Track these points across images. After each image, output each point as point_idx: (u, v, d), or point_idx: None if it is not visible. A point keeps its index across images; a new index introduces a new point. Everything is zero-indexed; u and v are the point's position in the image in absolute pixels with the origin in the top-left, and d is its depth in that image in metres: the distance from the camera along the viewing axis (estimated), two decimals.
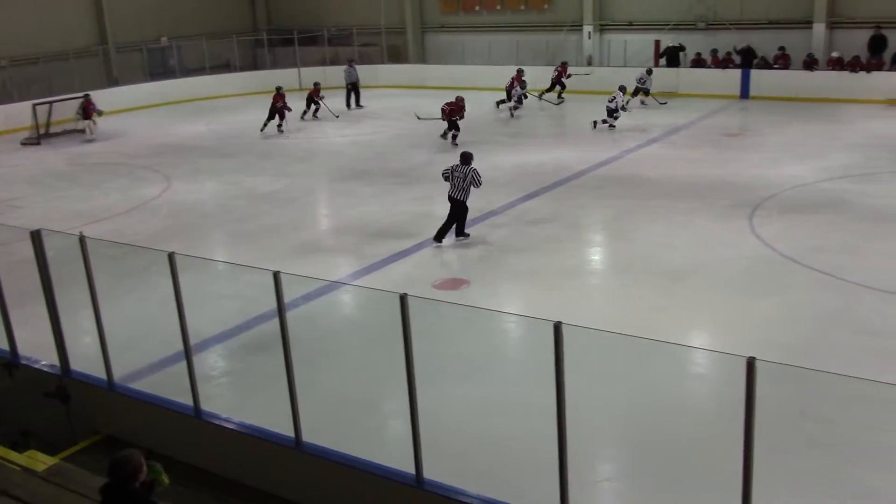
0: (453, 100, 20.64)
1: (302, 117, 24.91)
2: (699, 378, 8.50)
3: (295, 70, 31.62)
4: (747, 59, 26.50)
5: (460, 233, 12.68)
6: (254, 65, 34.78)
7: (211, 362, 9.20)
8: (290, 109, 23.28)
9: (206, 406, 7.31)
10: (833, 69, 25.22)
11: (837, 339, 9.02)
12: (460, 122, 20.50)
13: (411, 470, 6.05)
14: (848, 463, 6.72)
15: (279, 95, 23.13)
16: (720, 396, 7.75)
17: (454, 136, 20.39)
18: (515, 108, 24.62)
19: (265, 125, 23.07)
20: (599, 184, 16.18)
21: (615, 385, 8.05)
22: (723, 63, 26.95)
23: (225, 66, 32.87)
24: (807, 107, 23.81)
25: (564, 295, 10.60)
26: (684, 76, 27.10)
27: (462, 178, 12.36)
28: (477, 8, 32.55)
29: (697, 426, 7.44)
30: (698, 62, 27.55)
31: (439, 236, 12.55)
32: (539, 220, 13.86)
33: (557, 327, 5.20)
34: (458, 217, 12.59)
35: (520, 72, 25.41)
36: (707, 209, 14.02)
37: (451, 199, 12.51)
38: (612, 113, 21.60)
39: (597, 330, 6.15)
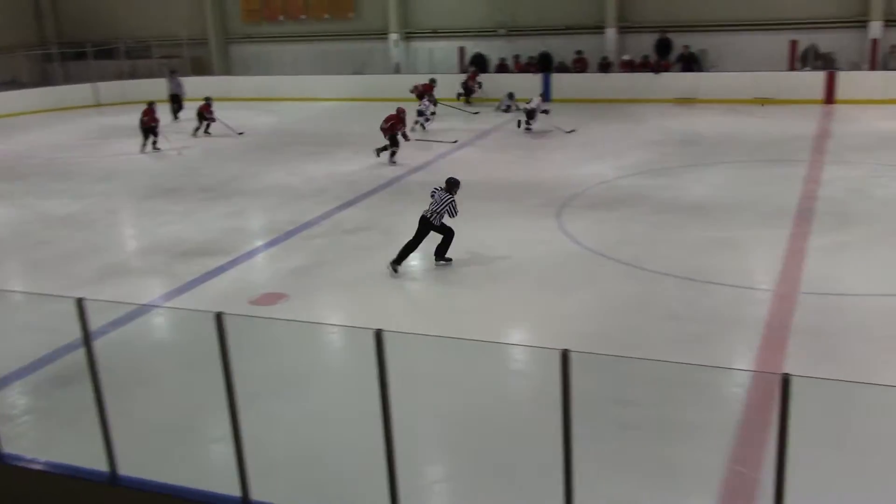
0: (393, 112, 18.95)
1: (194, 133, 23.64)
2: (519, 374, 8.74)
3: (89, 85, 29.99)
4: (546, 64, 27.70)
5: (440, 256, 11.77)
6: (44, 80, 32.69)
7: (11, 400, 8.52)
8: (157, 121, 21.78)
9: (8, 448, 6.76)
10: (626, 71, 26.82)
11: (643, 326, 9.54)
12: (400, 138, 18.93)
13: (237, 493, 5.84)
14: (657, 442, 7.10)
15: (149, 110, 21.66)
16: (539, 389, 8.00)
17: (393, 153, 18.72)
18: (427, 120, 22.78)
19: (143, 146, 21.52)
20: (414, 189, 16.36)
21: (440, 387, 8.13)
22: (525, 68, 28.02)
23: (10, 83, 30.70)
24: (604, 107, 25.19)
25: (385, 302, 10.63)
26: (486, 82, 27.94)
27: (438, 203, 11.59)
28: (280, 18, 32.19)
29: (519, 420, 7.63)
30: (502, 67, 28.51)
31: (398, 261, 11.51)
32: (356, 228, 13.84)
33: (378, 335, 5.18)
34: (420, 241, 11.61)
35: (432, 82, 25.30)
36: (518, 209, 14.49)
37: (422, 218, 11.61)
38: (531, 114, 21.94)
39: (417, 335, 6.19)
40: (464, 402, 7.91)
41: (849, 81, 24.17)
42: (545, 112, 22.01)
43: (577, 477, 4.99)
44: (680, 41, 26.56)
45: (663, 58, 26.66)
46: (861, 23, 24.80)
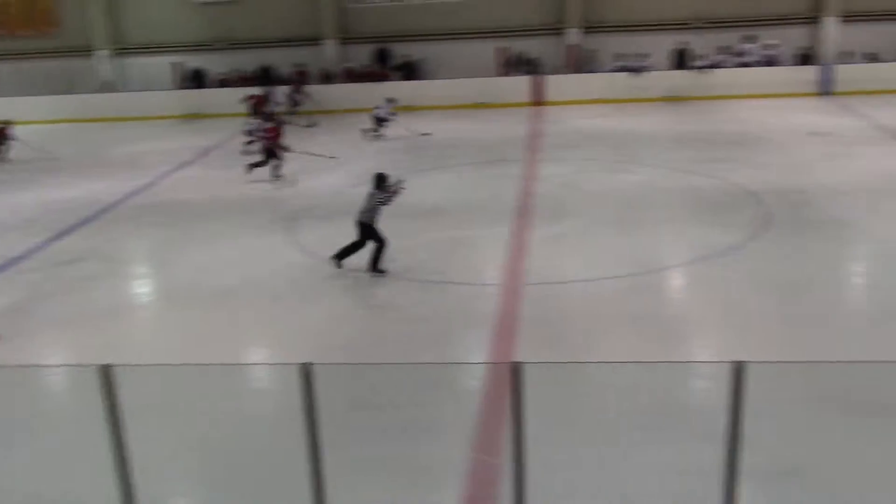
0: (268, 125, 17.80)
1: None
2: (264, 392, 8.54)
3: None
4: (266, 77, 27.42)
5: (373, 267, 11.36)
6: None
7: None
8: None
9: None
10: (348, 81, 27.20)
11: (385, 332, 9.68)
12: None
13: None
14: (406, 442, 7.23)
15: None
16: (287, 405, 7.86)
17: (276, 167, 17.39)
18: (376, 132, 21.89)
19: None
20: (137, 213, 15.51)
21: (182, 417, 7.74)
22: (245, 81, 27.54)
23: None
24: (331, 118, 25.30)
25: (113, 335, 9.95)
26: (208, 97, 27.16)
27: (368, 201, 11.37)
28: None
29: (268, 439, 7.45)
30: (224, 82, 27.82)
31: (341, 256, 11.51)
32: (73, 259, 12.85)
33: (106, 371, 4.82)
34: (361, 245, 11.41)
35: (266, 94, 24.31)
36: (249, 226, 14.18)
37: (356, 221, 11.40)
38: (380, 121, 21.66)
39: (151, 366, 5.85)
40: (210, 429, 7.59)
41: (553, 84, 26.12)
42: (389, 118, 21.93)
43: (330, 485, 4.95)
44: (399, 51, 27.38)
45: (383, 67, 27.37)
46: (559, 30, 26.91)
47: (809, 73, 25.38)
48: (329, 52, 27.75)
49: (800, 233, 12.59)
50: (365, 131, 22.08)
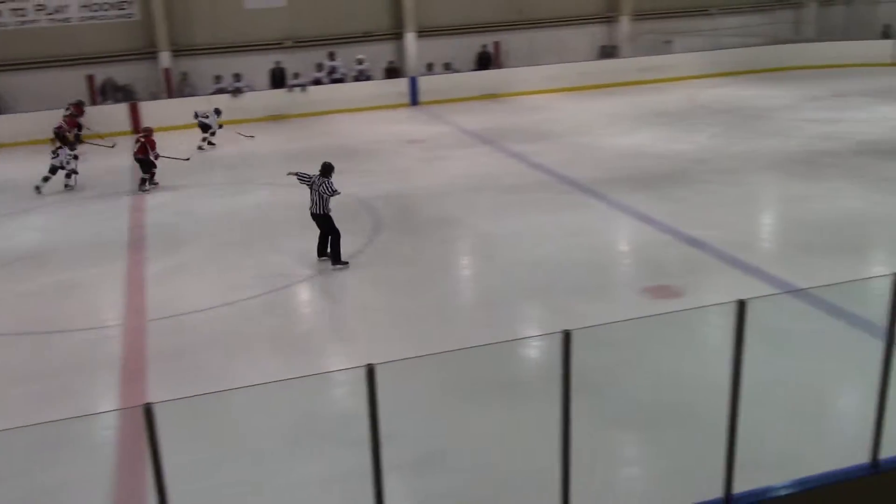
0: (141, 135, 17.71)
1: None
2: None
3: None
4: None
5: (336, 261, 11.77)
6: None
7: None
8: None
9: None
10: None
11: None
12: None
13: None
14: None
15: None
16: None
17: (146, 181, 17.45)
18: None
19: None
20: None
21: None
22: None
23: None
24: None
25: None
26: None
27: (315, 189, 11.68)
28: None
29: None
30: None
31: (320, 251, 12.02)
32: None
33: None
34: (327, 234, 11.83)
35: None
36: None
37: (311, 214, 11.85)
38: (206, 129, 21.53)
39: None
40: None
41: (152, 110, 25.06)
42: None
43: None
44: None
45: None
46: (151, 54, 25.92)
47: (399, 85, 27.20)
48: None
49: (410, 233, 13.48)
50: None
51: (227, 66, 26.15)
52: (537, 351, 8.88)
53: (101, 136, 22.00)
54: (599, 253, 12.19)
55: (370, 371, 4.49)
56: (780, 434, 7.06)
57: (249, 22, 26.81)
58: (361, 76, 27.09)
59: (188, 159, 19.23)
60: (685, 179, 15.74)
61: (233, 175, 18.75)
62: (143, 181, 17.50)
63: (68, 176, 17.99)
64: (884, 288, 5.43)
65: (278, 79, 26.46)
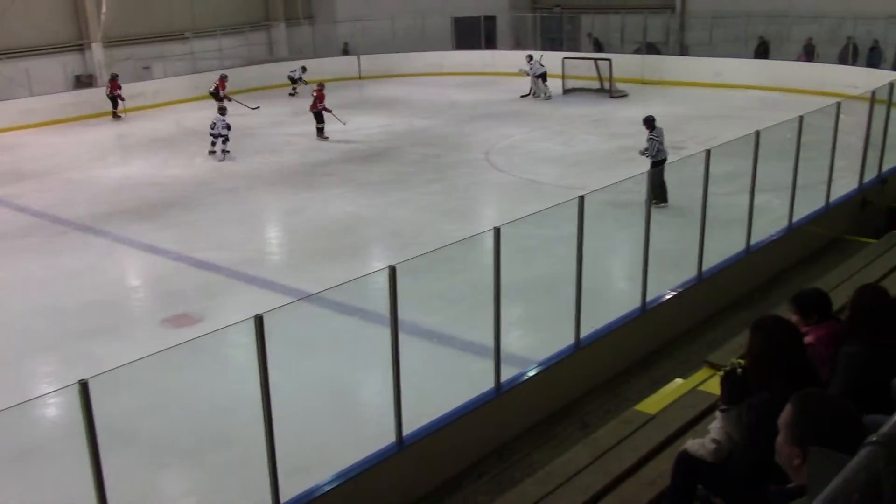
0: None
1: None
2: None
3: None
4: None
5: None
6: None
7: None
8: None
9: None
10: None
11: None
12: None
13: None
14: None
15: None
16: None
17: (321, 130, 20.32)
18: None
19: None
20: None
21: None
22: None
23: None
24: None
25: None
26: None
27: None
28: None
29: None
30: None
31: None
32: None
33: None
34: None
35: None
36: None
37: None
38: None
39: None
40: None
41: None
42: None
43: None
44: None
45: None
46: None
47: None
48: None
49: None
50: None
51: None
52: (55, 409, 8.12)
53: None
54: (110, 291, 11.55)
55: None
56: (320, 433, 7.39)
57: None
58: None
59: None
60: (189, 204, 15.61)
61: None
62: (319, 130, 20.52)
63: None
64: (383, 281, 5.97)
65: None
